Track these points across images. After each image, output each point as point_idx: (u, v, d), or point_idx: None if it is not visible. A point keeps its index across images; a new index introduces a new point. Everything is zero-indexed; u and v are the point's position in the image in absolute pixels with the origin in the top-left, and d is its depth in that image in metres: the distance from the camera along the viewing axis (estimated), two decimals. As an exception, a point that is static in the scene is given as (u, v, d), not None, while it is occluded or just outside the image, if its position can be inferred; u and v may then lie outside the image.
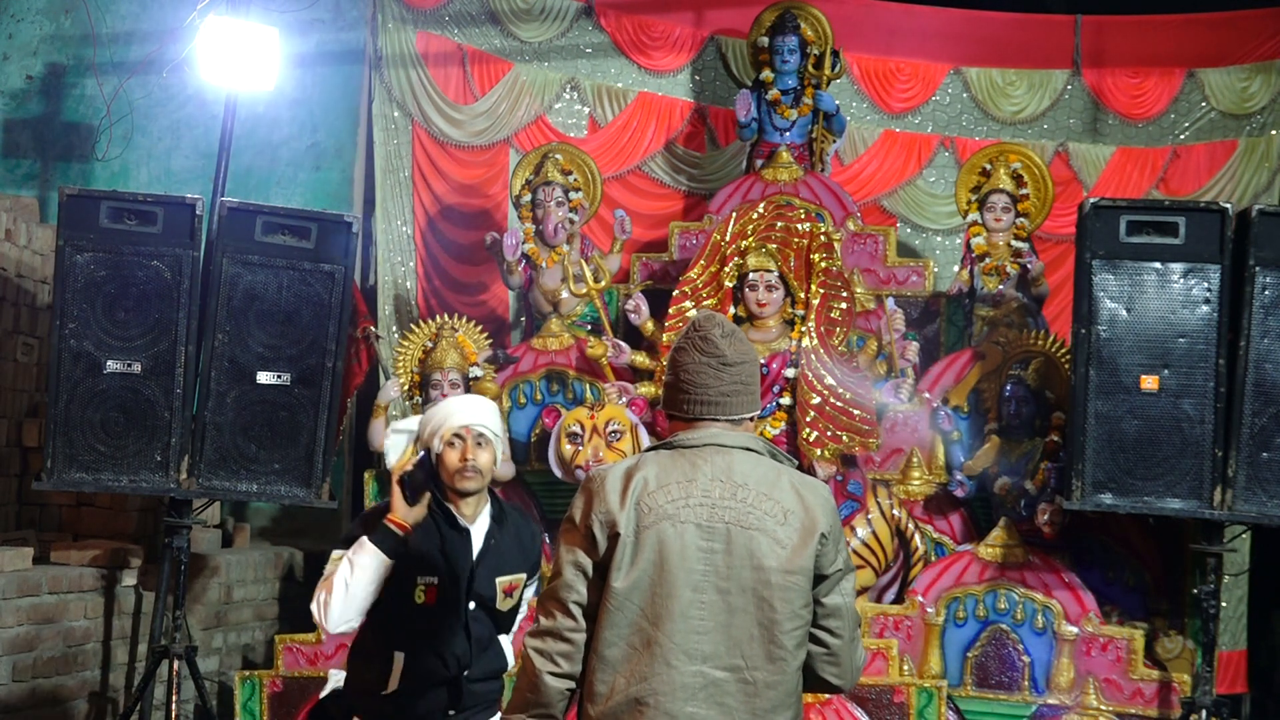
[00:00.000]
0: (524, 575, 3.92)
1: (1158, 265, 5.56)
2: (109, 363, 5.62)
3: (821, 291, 6.20)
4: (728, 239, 6.33)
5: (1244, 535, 6.58)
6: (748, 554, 3.02)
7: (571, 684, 3.08)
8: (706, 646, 3.00)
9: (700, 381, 3.14)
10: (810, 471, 6.08)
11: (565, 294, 6.84)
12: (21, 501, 6.48)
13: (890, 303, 6.36)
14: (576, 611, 3.07)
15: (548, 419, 6.50)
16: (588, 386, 6.62)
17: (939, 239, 8.31)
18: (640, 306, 6.53)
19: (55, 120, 8.06)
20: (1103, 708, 5.80)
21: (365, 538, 3.72)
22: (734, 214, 6.45)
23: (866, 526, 6.16)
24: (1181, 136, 8.30)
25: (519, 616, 3.99)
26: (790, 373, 6.17)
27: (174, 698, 5.71)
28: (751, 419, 3.21)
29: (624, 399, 6.29)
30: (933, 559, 6.25)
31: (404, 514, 3.75)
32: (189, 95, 7.79)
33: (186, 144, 7.97)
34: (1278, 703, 7.88)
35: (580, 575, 3.08)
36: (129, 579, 6.22)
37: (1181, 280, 5.55)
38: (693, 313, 6.34)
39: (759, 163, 7.41)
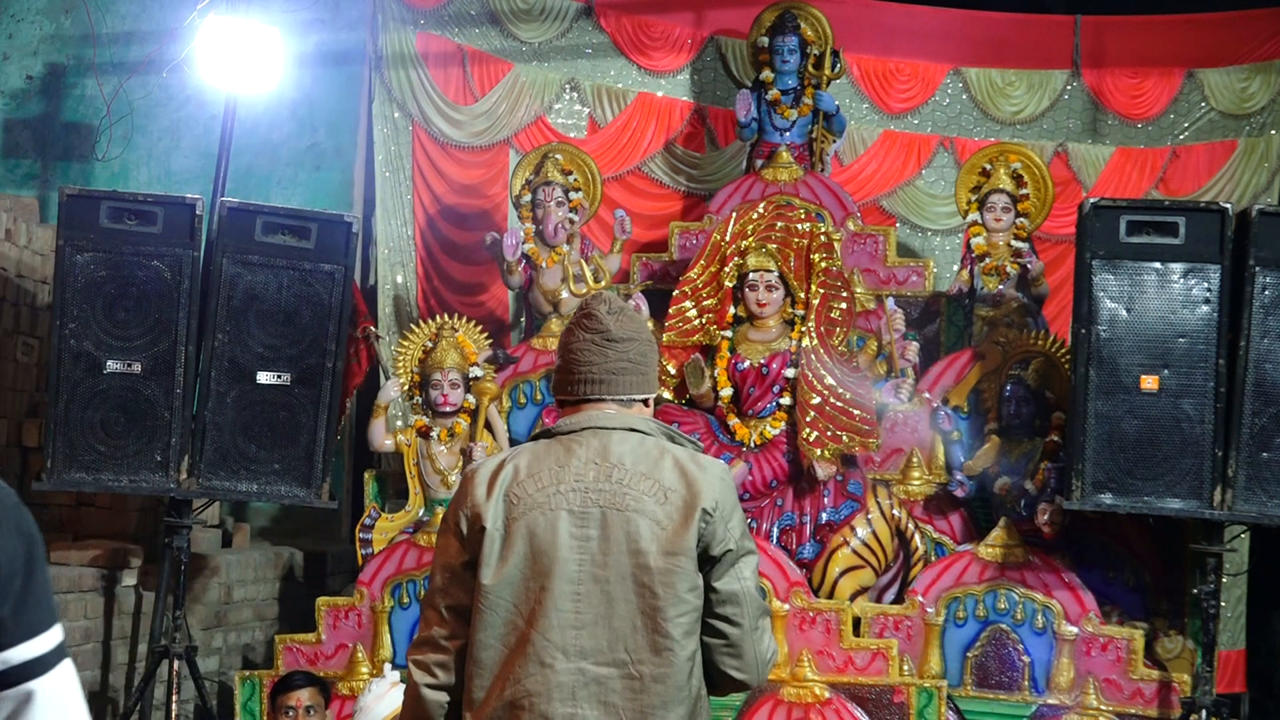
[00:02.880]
0: None
1: (1158, 265, 5.56)
2: (109, 363, 5.62)
3: (821, 291, 6.20)
4: (728, 239, 6.33)
5: (1244, 535, 6.58)
6: (625, 538, 2.80)
7: (449, 695, 2.88)
8: (585, 641, 2.78)
9: (584, 360, 2.94)
10: (810, 472, 6.09)
11: (565, 294, 6.84)
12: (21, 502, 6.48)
13: (890, 303, 6.37)
14: (450, 617, 2.87)
15: (548, 419, 6.50)
16: (588, 386, 6.61)
17: (939, 239, 8.31)
18: (640, 306, 6.53)
19: (55, 120, 8.06)
20: (1103, 708, 5.80)
21: None
22: (734, 214, 6.45)
23: (866, 526, 6.16)
24: (1181, 137, 8.30)
25: None
26: (790, 373, 6.18)
27: (174, 698, 5.71)
28: (646, 402, 3.01)
29: (624, 399, 6.28)
30: (933, 559, 6.25)
31: None
32: (189, 95, 7.78)
33: (186, 144, 7.97)
34: (1278, 703, 7.88)
35: (452, 578, 2.88)
36: (129, 579, 6.22)
37: (1181, 280, 5.55)
38: (693, 313, 6.35)
39: (759, 163, 7.41)
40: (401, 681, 5.20)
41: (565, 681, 2.77)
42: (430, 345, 6.36)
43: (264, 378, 5.74)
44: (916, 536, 6.33)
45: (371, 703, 5.09)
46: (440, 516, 6.13)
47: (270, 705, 5.64)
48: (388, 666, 5.62)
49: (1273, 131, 8.21)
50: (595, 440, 2.89)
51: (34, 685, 1.92)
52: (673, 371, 6.33)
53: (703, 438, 6.20)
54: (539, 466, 2.88)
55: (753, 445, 6.21)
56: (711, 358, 6.32)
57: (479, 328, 6.57)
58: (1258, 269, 5.48)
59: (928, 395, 6.55)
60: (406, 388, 6.39)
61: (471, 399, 6.34)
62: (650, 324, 6.49)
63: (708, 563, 2.84)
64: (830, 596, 6.02)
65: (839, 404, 6.07)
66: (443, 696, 2.88)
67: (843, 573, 6.10)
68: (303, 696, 5.55)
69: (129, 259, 5.64)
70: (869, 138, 8.34)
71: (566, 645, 2.78)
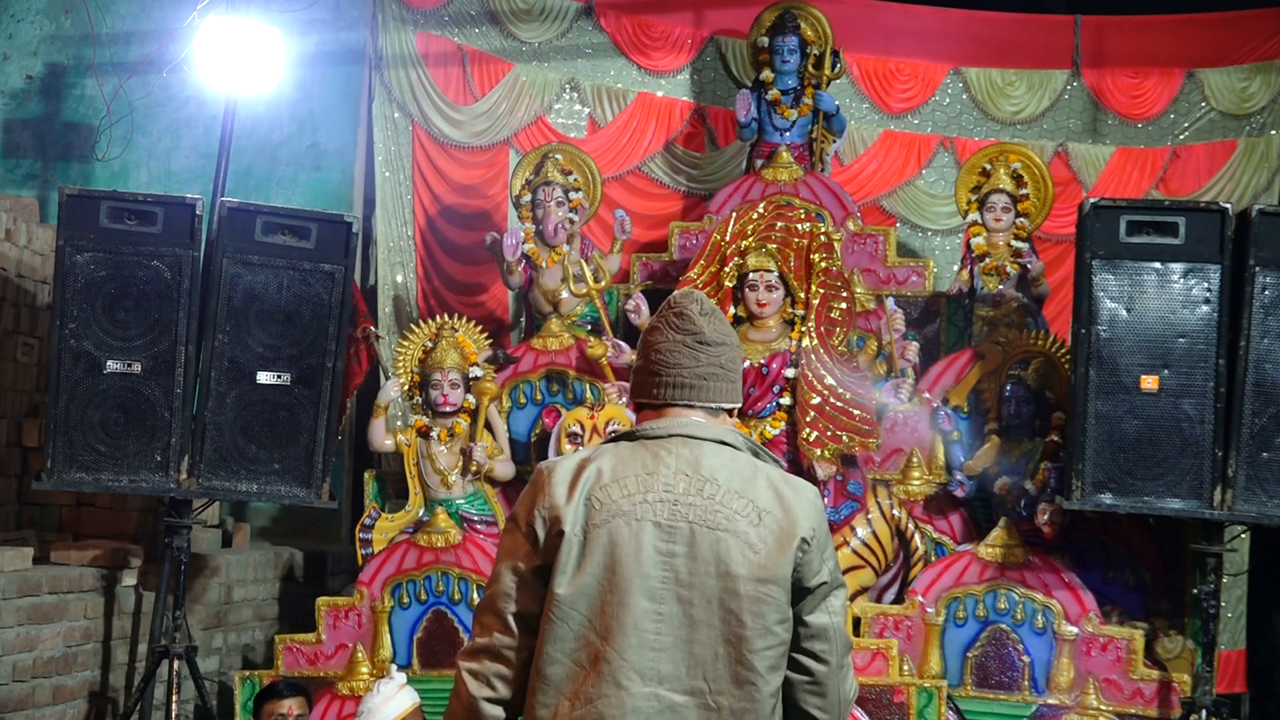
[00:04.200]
0: None
1: (1158, 265, 5.56)
2: (109, 363, 5.62)
3: (821, 291, 6.20)
4: (728, 239, 6.33)
5: (1244, 535, 6.58)
6: (714, 558, 2.62)
7: (506, 712, 2.70)
8: (664, 665, 2.60)
9: (673, 361, 2.76)
10: (810, 472, 6.08)
11: (565, 294, 6.84)
12: (21, 501, 6.48)
13: (890, 303, 6.36)
14: (516, 625, 2.67)
15: (548, 419, 6.50)
16: (588, 386, 6.62)
17: (939, 239, 8.30)
18: (640, 306, 6.53)
19: (55, 120, 8.06)
20: (1103, 708, 5.80)
21: None
22: (734, 214, 6.45)
23: (866, 526, 6.16)
24: (1181, 137, 8.29)
25: None
26: (790, 373, 6.18)
27: (174, 698, 5.71)
28: (732, 412, 2.84)
29: (624, 399, 6.29)
30: (933, 559, 6.25)
31: None
32: (189, 95, 7.78)
33: (186, 144, 7.97)
34: (1278, 702, 7.88)
35: (520, 582, 2.68)
36: (129, 579, 6.22)
37: (1181, 280, 5.55)
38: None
39: (759, 163, 7.40)
40: (408, 684, 5.27)
41: (641, 706, 2.59)
42: (430, 345, 6.36)
43: (264, 378, 5.74)
44: (916, 536, 6.33)
45: (379, 704, 5.13)
46: (440, 516, 6.15)
47: (256, 712, 5.65)
48: (394, 668, 5.65)
49: (1273, 131, 8.21)
50: (686, 450, 2.71)
51: None
52: (673, 371, 6.32)
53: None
54: (625, 471, 2.69)
55: (753, 445, 6.20)
56: (711, 358, 6.31)
57: (479, 328, 6.57)
58: (1258, 269, 5.48)
59: (928, 395, 6.55)
60: (406, 388, 6.39)
61: (471, 399, 6.34)
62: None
63: (800, 594, 2.68)
64: (830, 596, 6.01)
65: (839, 404, 6.07)
66: (500, 712, 2.70)
67: (843, 573, 6.09)
68: (293, 705, 5.57)
69: (129, 259, 5.64)
70: (869, 138, 8.34)
71: (644, 667, 2.60)
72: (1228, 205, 5.67)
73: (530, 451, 6.65)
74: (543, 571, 2.67)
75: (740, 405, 2.87)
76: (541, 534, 2.67)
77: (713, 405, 2.78)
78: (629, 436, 2.78)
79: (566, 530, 2.65)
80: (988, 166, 7.01)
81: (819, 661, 2.70)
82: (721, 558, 2.62)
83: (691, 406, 2.77)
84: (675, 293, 2.90)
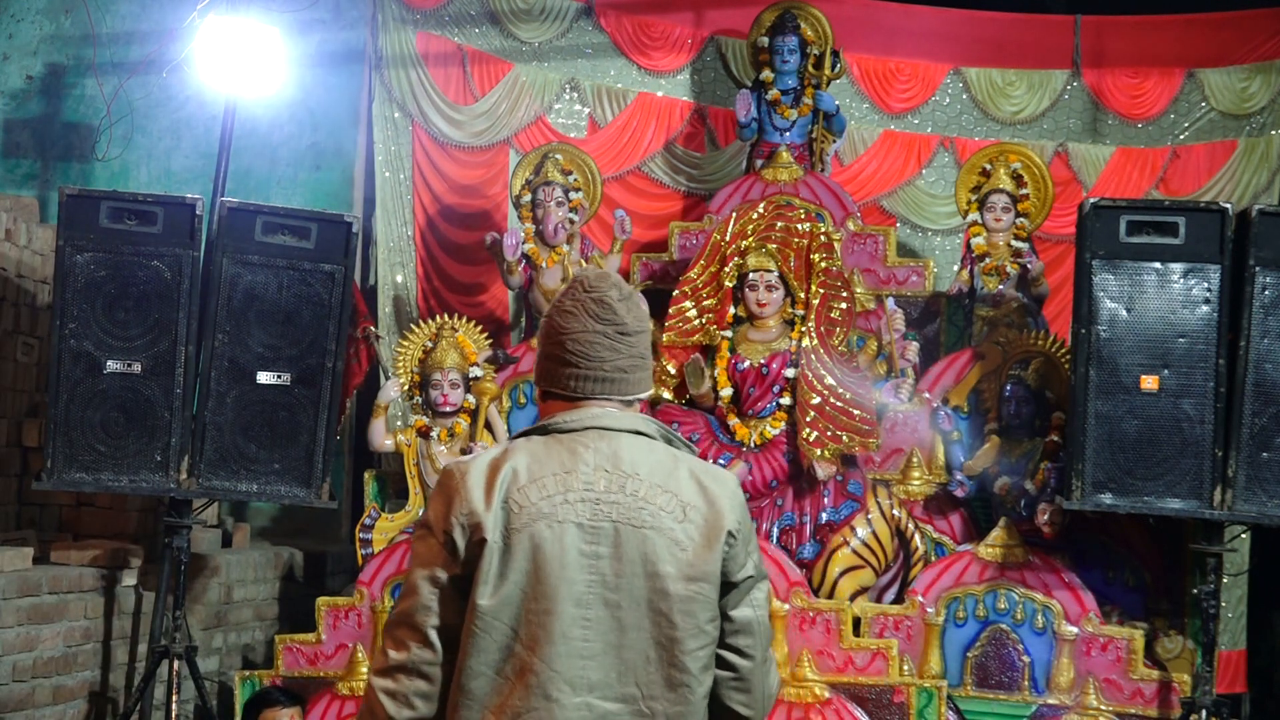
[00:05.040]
0: None
1: (1158, 265, 5.57)
2: (109, 363, 5.62)
3: (821, 291, 6.20)
4: (728, 239, 6.33)
5: (1244, 535, 6.58)
6: (640, 558, 2.50)
7: None
8: (594, 673, 2.48)
9: (593, 354, 2.60)
10: (810, 471, 6.09)
11: (565, 294, 6.83)
12: (21, 501, 6.48)
13: (890, 303, 6.36)
14: (436, 640, 2.52)
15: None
16: (587, 386, 6.61)
17: (939, 239, 8.30)
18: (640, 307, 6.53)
19: (55, 120, 8.06)
20: (1103, 708, 5.80)
21: None
22: (734, 214, 6.45)
23: (866, 526, 6.16)
24: (1181, 137, 8.29)
25: None
26: (790, 373, 6.18)
27: (174, 698, 5.71)
28: (644, 399, 2.73)
29: (624, 399, 6.28)
30: (933, 559, 6.25)
31: None
32: (189, 95, 7.78)
33: (186, 144, 7.97)
34: (1278, 703, 7.88)
35: (440, 594, 2.52)
36: (129, 579, 6.22)
37: (1181, 280, 5.55)
38: (692, 313, 6.34)
39: (759, 163, 7.40)
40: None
41: (572, 718, 2.48)
42: (430, 345, 6.36)
43: (264, 378, 5.74)
44: (916, 536, 6.33)
45: None
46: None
47: (252, 717, 5.64)
48: None
49: (1273, 131, 8.21)
50: (604, 444, 2.58)
51: None
52: (673, 371, 6.34)
53: (703, 438, 6.21)
54: (541, 470, 2.55)
55: (753, 445, 6.21)
56: (711, 358, 6.32)
57: (479, 328, 6.57)
58: (1258, 269, 5.48)
59: (928, 395, 6.55)
60: (406, 388, 6.39)
61: (471, 399, 6.34)
62: (651, 324, 6.51)
63: (725, 589, 2.58)
64: (830, 596, 6.02)
65: (839, 404, 6.07)
66: None
67: (843, 573, 6.10)
68: (293, 715, 5.56)
69: (129, 259, 5.64)
70: (869, 138, 8.34)
71: (574, 677, 2.48)
72: (1228, 205, 5.67)
73: (530, 451, 6.64)
74: (462, 581, 2.52)
75: (652, 390, 2.76)
76: (461, 542, 2.52)
77: (631, 397, 2.65)
78: (540, 431, 2.63)
79: (489, 538, 2.50)
80: (988, 166, 7.02)
81: (744, 657, 2.60)
82: (648, 557, 2.51)
83: (610, 399, 2.63)
84: (588, 273, 2.73)
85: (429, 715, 2.54)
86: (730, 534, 2.56)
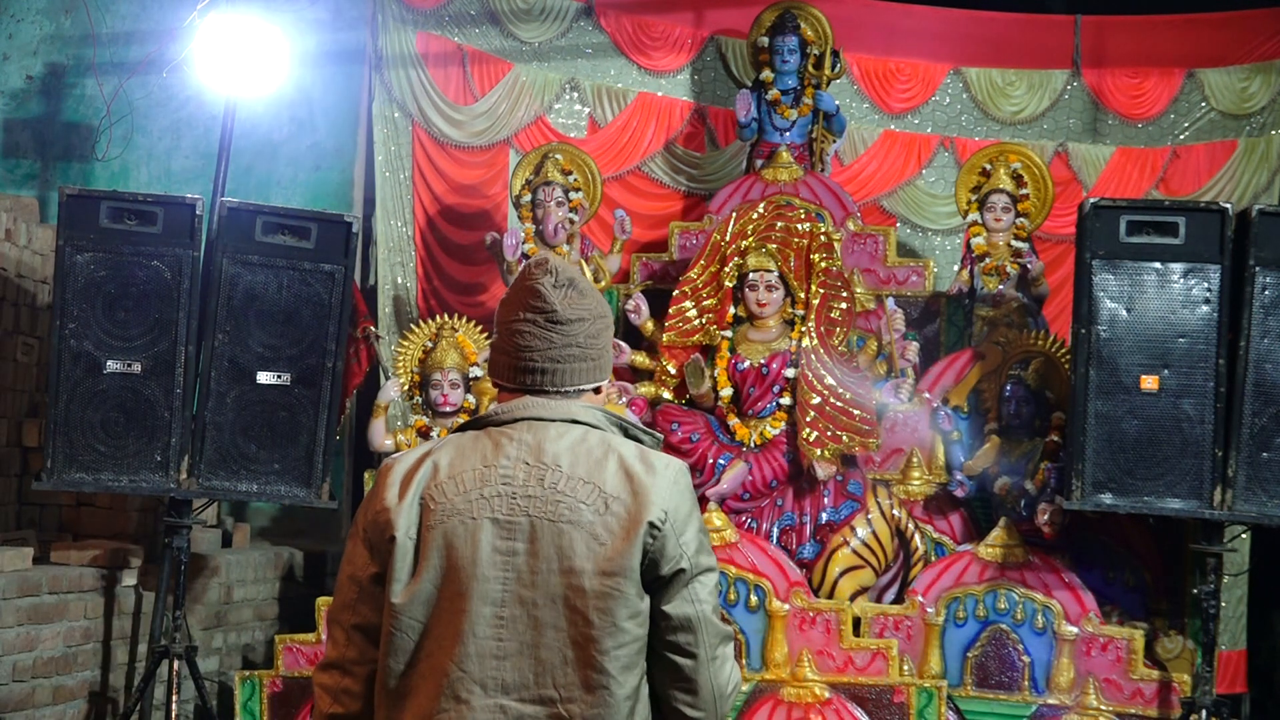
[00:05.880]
0: None
1: (1158, 265, 5.57)
2: (109, 363, 5.62)
3: (821, 291, 6.20)
4: (728, 239, 6.34)
5: (1244, 535, 6.58)
6: (556, 554, 2.40)
7: None
8: (508, 674, 2.40)
9: (524, 344, 2.52)
10: (811, 471, 6.09)
11: (565, 294, 6.83)
12: (21, 501, 6.48)
13: (890, 303, 6.37)
14: (358, 638, 2.49)
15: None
16: (588, 386, 6.61)
17: (939, 239, 8.30)
18: (640, 306, 6.54)
19: (55, 120, 8.06)
20: (1103, 708, 5.80)
21: None
22: (734, 214, 6.45)
23: (866, 526, 6.16)
24: (1181, 136, 8.30)
25: None
26: (790, 373, 6.18)
27: (174, 698, 5.71)
28: (597, 390, 2.59)
29: (624, 399, 6.29)
30: (933, 559, 6.25)
31: None
32: (189, 95, 7.78)
33: (186, 144, 7.97)
34: (1278, 703, 7.88)
35: (360, 592, 2.49)
36: (129, 579, 6.22)
37: (1181, 280, 5.56)
38: (693, 313, 6.34)
39: (759, 163, 7.41)
40: None
41: None
42: (430, 345, 6.36)
43: (264, 378, 5.74)
44: (916, 536, 6.33)
45: None
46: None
47: None
48: None
49: (1273, 131, 8.21)
50: (529, 435, 2.48)
51: None
52: (673, 371, 6.34)
53: (703, 438, 6.21)
54: (462, 464, 2.47)
55: (753, 445, 6.21)
56: (711, 358, 6.33)
57: (479, 328, 6.56)
58: (1258, 269, 5.48)
59: (928, 395, 6.55)
60: (406, 388, 6.39)
61: (471, 399, 6.34)
62: (651, 324, 6.50)
63: (656, 584, 2.45)
64: (830, 596, 6.02)
65: (839, 404, 6.07)
66: None
67: (843, 573, 6.10)
68: None
69: (129, 259, 5.64)
70: (869, 138, 8.34)
71: (485, 678, 2.40)
72: (1228, 205, 5.67)
73: (530, 451, 6.64)
74: (381, 579, 2.47)
75: (607, 380, 2.63)
76: (374, 539, 2.48)
77: (569, 389, 2.54)
78: (476, 424, 2.56)
79: (398, 535, 2.44)
80: (988, 166, 7.02)
81: (685, 655, 2.47)
82: (564, 552, 2.41)
83: (544, 392, 2.53)
84: (533, 260, 2.65)
85: (357, 711, 2.52)
86: (653, 525, 2.42)
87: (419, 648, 2.43)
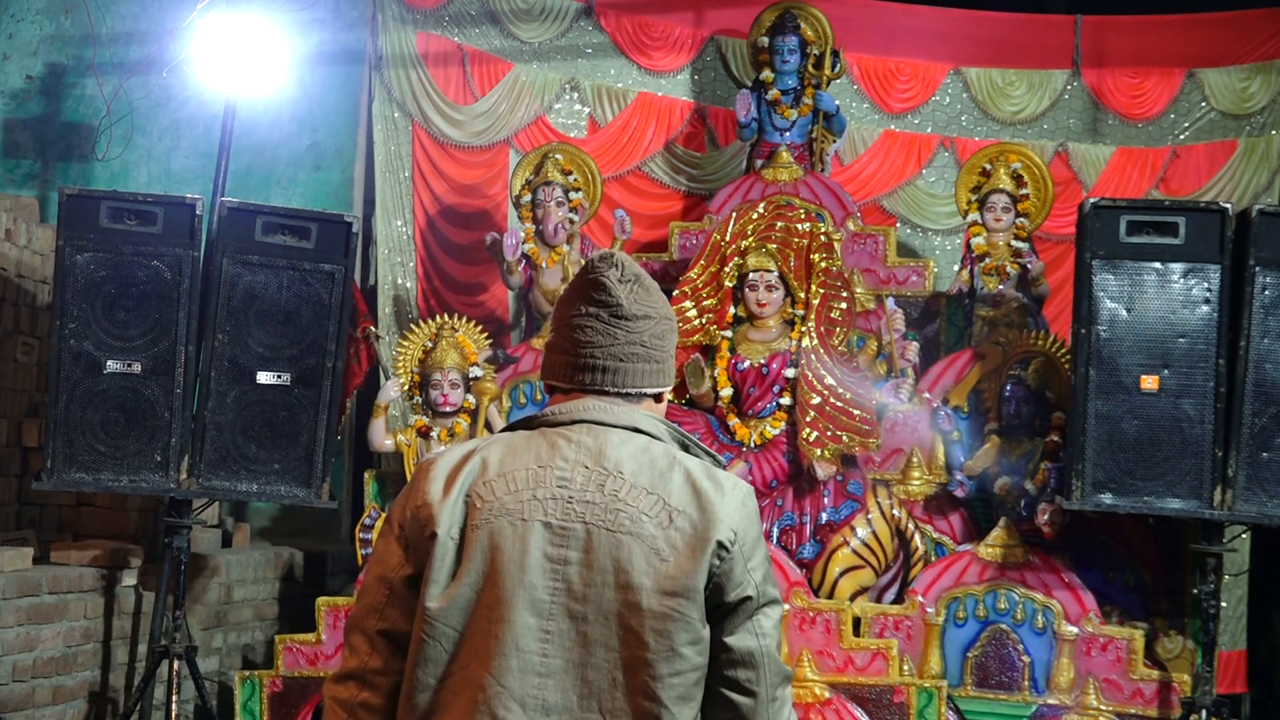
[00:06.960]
0: None
1: (1158, 265, 5.57)
2: (109, 363, 5.62)
3: (821, 291, 6.20)
4: (728, 239, 6.34)
5: (1244, 535, 6.58)
6: (613, 566, 2.20)
7: None
8: (551, 694, 2.19)
9: (585, 339, 2.34)
10: (810, 471, 6.08)
11: (565, 294, 6.83)
12: (21, 501, 6.48)
13: (890, 303, 6.37)
14: (384, 646, 2.28)
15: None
16: (587, 386, 6.61)
17: (939, 239, 8.30)
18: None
19: (55, 120, 8.06)
20: (1103, 708, 5.80)
21: None
22: (734, 214, 6.45)
23: (866, 526, 6.16)
24: (1181, 136, 8.29)
25: None
26: (790, 373, 6.18)
27: (174, 698, 5.72)
28: (659, 397, 2.42)
29: (624, 399, 6.28)
30: (933, 559, 6.25)
31: None
32: (189, 95, 7.78)
33: (186, 144, 7.97)
34: (1278, 703, 7.88)
35: (390, 595, 2.28)
36: (129, 579, 6.22)
37: (1181, 280, 5.56)
38: (693, 313, 6.34)
39: (759, 163, 7.41)
40: None
41: None
42: (430, 345, 6.36)
43: (264, 378, 5.75)
44: (916, 536, 6.33)
45: None
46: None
47: None
48: None
49: (1273, 131, 8.21)
50: (589, 439, 2.30)
51: None
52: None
53: (703, 438, 6.21)
54: (514, 463, 2.28)
55: (753, 445, 6.21)
56: (711, 358, 6.33)
57: (479, 328, 6.57)
58: (1258, 269, 5.48)
59: (928, 395, 6.55)
60: (406, 388, 6.39)
61: (471, 399, 6.34)
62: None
63: (719, 611, 2.24)
64: (830, 596, 6.02)
65: (839, 404, 6.07)
66: None
67: (843, 573, 6.10)
68: None
69: (129, 259, 5.64)
70: (869, 138, 8.34)
71: (526, 696, 2.18)
72: (1228, 205, 5.67)
73: (530, 451, 6.64)
74: (415, 581, 2.26)
75: (671, 388, 2.46)
76: (412, 536, 2.27)
77: (631, 391, 2.36)
78: (526, 424, 2.39)
79: (440, 532, 2.24)
80: (988, 166, 7.02)
81: (744, 694, 2.25)
82: (622, 565, 2.20)
83: (605, 393, 2.35)
84: (595, 253, 2.48)
85: None
86: (721, 545, 2.22)
87: (453, 659, 2.22)
